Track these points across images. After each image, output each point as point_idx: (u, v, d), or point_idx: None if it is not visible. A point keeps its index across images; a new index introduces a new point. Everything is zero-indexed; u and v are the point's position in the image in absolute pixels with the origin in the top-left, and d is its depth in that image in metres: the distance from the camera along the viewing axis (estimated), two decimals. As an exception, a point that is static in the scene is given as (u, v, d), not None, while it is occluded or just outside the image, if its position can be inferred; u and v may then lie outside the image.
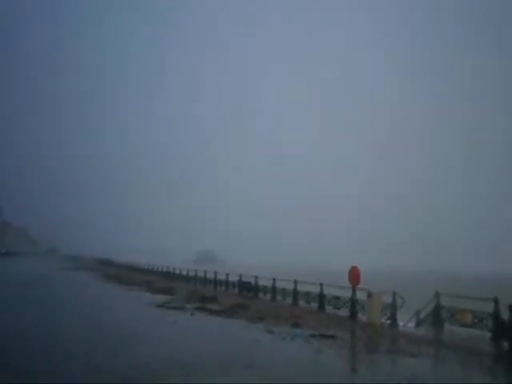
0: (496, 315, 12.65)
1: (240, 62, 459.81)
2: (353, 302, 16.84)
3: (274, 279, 23.34)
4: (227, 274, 29.84)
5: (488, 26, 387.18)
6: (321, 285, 19.12)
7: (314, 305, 19.44)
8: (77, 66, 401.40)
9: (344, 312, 17.40)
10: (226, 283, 29.72)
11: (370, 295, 15.92)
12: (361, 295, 16.65)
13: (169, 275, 43.89)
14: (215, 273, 32.10)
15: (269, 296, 23.55)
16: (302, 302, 20.51)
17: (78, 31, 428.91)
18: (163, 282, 34.77)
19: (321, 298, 19.05)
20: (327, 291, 19.06)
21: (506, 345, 12.06)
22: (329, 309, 18.57)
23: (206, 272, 34.49)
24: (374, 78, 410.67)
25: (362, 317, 16.39)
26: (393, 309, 15.54)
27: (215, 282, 31.58)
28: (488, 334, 12.84)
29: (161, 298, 23.08)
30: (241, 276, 27.55)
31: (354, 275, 16.74)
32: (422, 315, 15.59)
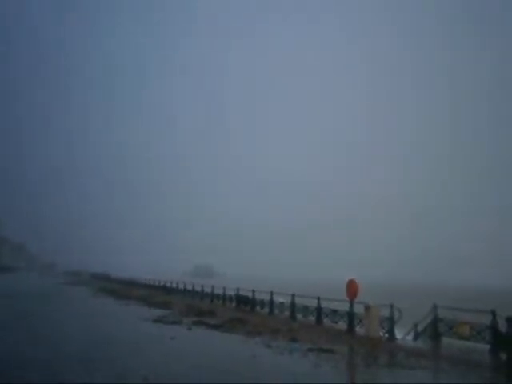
0: (494, 327, 12.63)
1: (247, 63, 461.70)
2: (350, 316, 16.77)
3: (271, 293, 23.25)
4: (224, 288, 29.72)
5: (471, 25, 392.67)
6: (318, 298, 19.05)
7: (312, 318, 19.35)
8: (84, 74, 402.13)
9: (342, 325, 17.32)
10: (224, 297, 29.57)
11: (367, 308, 15.87)
12: (358, 308, 16.59)
13: (166, 289, 43.66)
14: (212, 287, 31.99)
15: (266, 310, 23.44)
16: (299, 316, 20.42)
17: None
18: (161, 297, 34.59)
19: (318, 311, 18.98)
20: (325, 305, 19.00)
21: (504, 357, 12.03)
22: (326, 322, 18.49)
23: (203, 286, 34.40)
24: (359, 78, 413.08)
25: (359, 330, 16.32)
26: (390, 322, 15.48)
27: (212, 296, 31.44)
28: (486, 347, 12.81)
29: (158, 312, 22.93)
30: (238, 290, 27.44)
31: (352, 288, 16.70)
32: (419, 328, 15.54)
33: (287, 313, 21.43)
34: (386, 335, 15.47)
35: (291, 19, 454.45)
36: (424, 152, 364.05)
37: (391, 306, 15.51)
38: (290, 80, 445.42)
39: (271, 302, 23.10)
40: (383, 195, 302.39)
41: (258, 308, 24.49)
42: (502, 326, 12.37)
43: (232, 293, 28.42)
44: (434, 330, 14.88)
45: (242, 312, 23.36)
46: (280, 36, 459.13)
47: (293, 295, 21.05)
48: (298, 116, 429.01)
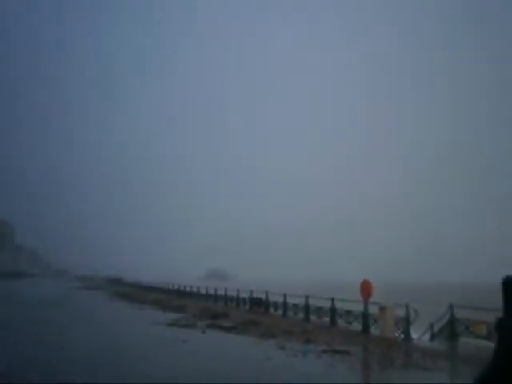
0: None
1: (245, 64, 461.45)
2: (365, 316, 16.60)
3: (284, 294, 23.15)
4: (238, 290, 29.69)
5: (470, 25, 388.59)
6: (332, 299, 18.91)
7: (326, 319, 19.21)
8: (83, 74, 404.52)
9: (356, 326, 17.16)
10: (237, 299, 29.53)
11: (382, 309, 15.70)
12: (373, 309, 16.42)
13: (180, 293, 43.75)
14: (225, 289, 31.98)
15: (280, 311, 23.35)
16: (313, 317, 20.29)
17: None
18: (174, 300, 34.64)
19: (332, 312, 18.84)
20: (338, 305, 18.85)
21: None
22: (341, 323, 18.34)
23: (216, 289, 34.40)
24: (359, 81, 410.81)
25: (374, 331, 16.15)
26: (406, 322, 15.29)
27: (226, 299, 31.42)
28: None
29: (172, 316, 22.95)
30: (251, 292, 27.38)
31: (366, 288, 16.53)
32: (436, 328, 15.32)
33: (301, 314, 21.31)
34: (402, 336, 15.29)
35: (291, 19, 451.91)
36: (424, 152, 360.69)
37: (407, 306, 15.33)
38: (289, 80, 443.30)
39: (285, 303, 23.01)
40: (383, 195, 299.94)
41: (271, 310, 24.40)
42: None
43: (245, 295, 28.37)
44: (451, 330, 14.65)
45: (255, 314, 23.28)
46: (280, 36, 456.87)
47: (306, 296, 20.94)
48: (298, 116, 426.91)
